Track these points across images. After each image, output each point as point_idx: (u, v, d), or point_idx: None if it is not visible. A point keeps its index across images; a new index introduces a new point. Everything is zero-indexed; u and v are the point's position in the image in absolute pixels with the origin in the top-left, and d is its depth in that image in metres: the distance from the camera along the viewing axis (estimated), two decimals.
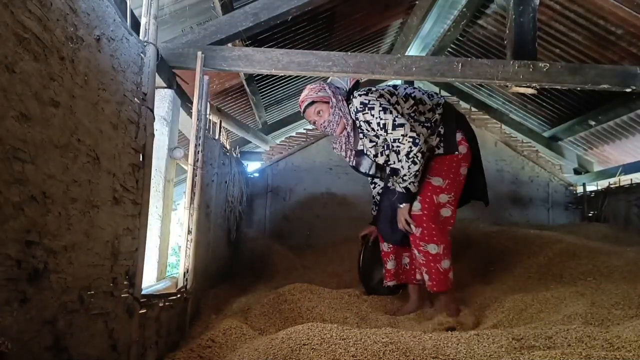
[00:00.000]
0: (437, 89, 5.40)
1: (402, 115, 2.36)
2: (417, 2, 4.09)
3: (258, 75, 4.27)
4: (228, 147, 3.25)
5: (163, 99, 2.33)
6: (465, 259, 3.41)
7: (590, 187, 4.70)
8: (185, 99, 2.60)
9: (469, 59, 2.56)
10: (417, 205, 2.35)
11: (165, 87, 2.34)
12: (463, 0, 4.20)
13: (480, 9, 4.15)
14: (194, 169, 1.99)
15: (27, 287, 0.81)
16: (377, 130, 2.33)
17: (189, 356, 1.57)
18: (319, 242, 4.40)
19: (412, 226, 2.34)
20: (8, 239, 0.76)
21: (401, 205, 2.38)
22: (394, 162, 2.40)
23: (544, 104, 4.87)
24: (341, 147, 2.51)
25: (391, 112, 2.29)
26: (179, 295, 1.79)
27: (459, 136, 2.43)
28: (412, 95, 2.47)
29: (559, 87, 2.73)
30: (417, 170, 2.28)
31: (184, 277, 1.93)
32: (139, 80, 1.37)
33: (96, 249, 1.07)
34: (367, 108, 2.32)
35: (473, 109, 5.05)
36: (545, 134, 5.41)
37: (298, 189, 4.74)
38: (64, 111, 0.93)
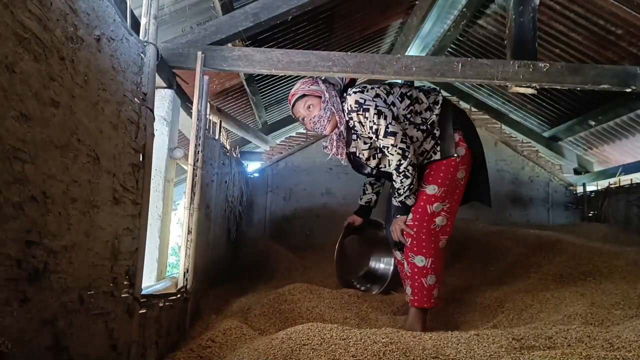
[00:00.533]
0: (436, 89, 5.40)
1: (398, 117, 2.27)
2: (417, 2, 4.09)
3: (258, 75, 4.27)
4: (228, 147, 3.25)
5: (163, 99, 2.33)
6: (465, 259, 3.41)
7: (590, 187, 4.70)
8: (185, 99, 2.60)
9: (469, 59, 2.56)
10: (409, 215, 2.27)
11: (165, 87, 2.34)
12: (463, 0, 4.20)
13: (480, 9, 4.15)
14: (194, 169, 1.99)
15: (27, 287, 0.81)
16: (370, 133, 2.25)
17: (189, 356, 1.57)
18: (319, 242, 4.39)
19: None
20: (8, 239, 0.76)
21: (397, 216, 2.30)
22: (385, 167, 2.32)
23: (544, 104, 4.87)
24: (332, 146, 2.36)
25: (385, 118, 2.18)
26: (179, 295, 1.79)
27: (456, 137, 2.31)
28: (409, 94, 2.34)
29: (559, 87, 2.72)
30: (410, 184, 2.21)
31: (184, 277, 1.93)
32: (139, 80, 1.37)
33: (96, 249, 1.07)
34: (362, 109, 2.22)
35: (473, 109, 5.05)
36: (545, 134, 5.41)
37: (298, 189, 4.74)
38: (64, 111, 0.93)
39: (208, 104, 2.32)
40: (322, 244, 4.29)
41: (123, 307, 1.22)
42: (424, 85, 2.56)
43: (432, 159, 2.30)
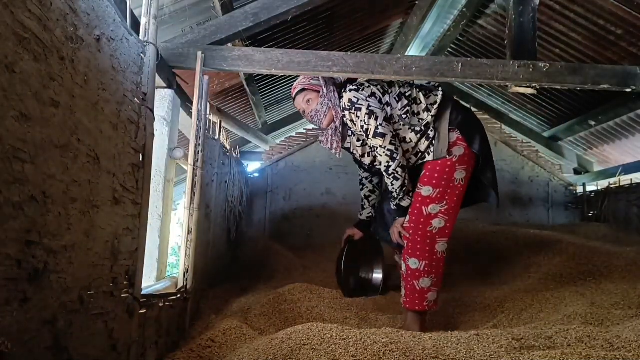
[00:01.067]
0: None
1: (392, 116, 2.26)
2: (417, 2, 4.09)
3: (258, 75, 4.27)
4: (228, 147, 3.25)
5: (163, 99, 2.33)
6: (465, 259, 3.41)
7: (590, 187, 4.70)
8: (185, 99, 2.60)
9: (469, 59, 2.56)
10: (405, 217, 2.26)
11: (165, 87, 2.34)
12: (463, 0, 4.20)
13: (480, 9, 4.15)
14: (194, 169, 1.99)
15: (27, 287, 0.81)
16: (361, 131, 2.27)
17: (189, 356, 1.57)
18: (319, 242, 4.39)
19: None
20: (8, 239, 0.76)
21: (396, 219, 2.31)
22: (379, 165, 2.32)
23: (544, 104, 4.87)
24: (327, 141, 2.40)
25: (376, 119, 2.19)
26: (179, 295, 1.79)
27: (453, 136, 2.24)
28: (407, 94, 2.31)
29: (559, 87, 2.72)
30: (401, 185, 2.21)
31: (184, 277, 1.93)
32: (139, 80, 1.37)
33: (96, 249, 1.07)
34: (354, 108, 2.24)
35: (473, 109, 5.04)
36: (545, 134, 5.41)
37: (298, 189, 4.74)
38: (64, 111, 0.93)
39: (208, 104, 2.32)
40: (322, 244, 4.30)
41: (123, 307, 1.22)
42: (429, 83, 2.45)
43: (426, 159, 2.27)
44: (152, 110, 1.43)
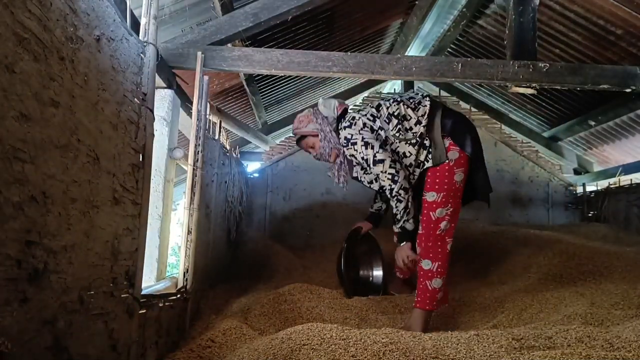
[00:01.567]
0: (436, 89, 5.41)
1: (387, 138, 2.37)
2: (417, 2, 4.09)
3: (258, 75, 4.27)
4: (228, 147, 3.25)
5: (163, 99, 2.33)
6: (464, 259, 3.41)
7: (590, 187, 4.70)
8: (185, 99, 2.60)
9: (469, 59, 2.56)
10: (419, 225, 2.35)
11: (165, 88, 2.34)
12: (463, 1, 4.20)
13: (480, 9, 4.15)
14: (193, 169, 1.99)
15: (27, 287, 0.81)
16: (362, 162, 2.40)
17: (189, 356, 1.57)
18: (318, 242, 4.40)
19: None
20: (8, 239, 0.76)
21: (402, 244, 2.40)
22: (384, 189, 2.43)
23: (544, 104, 4.87)
24: (334, 175, 2.61)
25: (372, 147, 2.33)
26: (178, 295, 1.79)
27: (446, 143, 2.32)
28: (396, 113, 2.38)
29: (558, 87, 2.73)
30: (404, 207, 2.32)
31: (184, 277, 1.93)
32: (139, 81, 1.37)
33: (96, 249, 1.07)
34: (350, 143, 2.40)
35: (473, 109, 5.05)
36: (545, 134, 5.41)
37: (298, 189, 4.74)
38: (64, 111, 0.93)
39: (208, 104, 2.32)
40: (321, 243, 4.30)
41: (123, 307, 1.22)
42: (416, 93, 2.51)
43: (426, 166, 2.35)
44: (152, 111, 1.43)
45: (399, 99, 2.45)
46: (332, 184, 4.70)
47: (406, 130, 2.36)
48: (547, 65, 2.52)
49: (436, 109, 2.39)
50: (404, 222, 2.34)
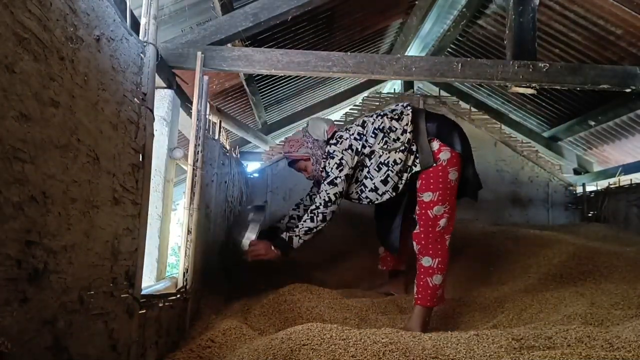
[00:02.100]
0: (436, 89, 5.41)
1: (373, 152, 2.46)
2: (417, 2, 4.10)
3: (258, 75, 4.27)
4: (228, 147, 3.25)
5: (163, 99, 2.33)
6: (465, 259, 3.41)
7: (590, 187, 4.70)
8: (185, 99, 2.60)
9: (469, 59, 2.57)
10: (416, 224, 2.39)
11: (165, 87, 2.34)
12: (463, 1, 4.20)
13: (480, 9, 4.16)
14: (193, 169, 1.99)
15: (27, 287, 0.81)
16: (323, 173, 2.53)
17: (189, 356, 1.57)
18: (318, 242, 4.39)
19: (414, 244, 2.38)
20: (8, 239, 0.76)
21: (274, 248, 2.46)
22: (364, 194, 2.56)
23: (544, 104, 4.87)
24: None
25: (340, 171, 2.45)
26: (178, 295, 1.79)
27: (435, 145, 2.37)
28: (381, 127, 2.45)
29: (558, 87, 2.73)
30: (308, 229, 2.44)
31: (184, 277, 1.93)
32: (139, 81, 1.37)
33: (96, 249, 1.07)
34: (329, 157, 2.51)
35: (473, 109, 5.06)
36: (545, 134, 5.41)
37: (298, 189, 4.74)
38: (64, 111, 0.93)
39: (208, 104, 2.32)
40: (321, 243, 4.29)
41: (123, 307, 1.22)
42: (396, 104, 2.55)
43: (414, 170, 2.41)
44: (152, 111, 1.43)
45: (382, 114, 2.54)
46: None
47: (394, 140, 2.43)
48: (547, 65, 2.52)
49: (419, 116, 2.47)
50: (295, 236, 2.45)
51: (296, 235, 2.45)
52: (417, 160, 2.39)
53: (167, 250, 2.38)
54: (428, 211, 2.31)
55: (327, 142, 2.60)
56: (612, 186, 4.33)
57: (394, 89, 6.57)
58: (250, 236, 2.61)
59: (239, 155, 3.78)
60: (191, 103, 2.13)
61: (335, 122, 4.89)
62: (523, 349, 1.44)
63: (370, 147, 2.47)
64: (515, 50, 2.67)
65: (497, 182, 4.77)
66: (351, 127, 2.61)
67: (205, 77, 2.23)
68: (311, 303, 2.41)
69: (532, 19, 2.71)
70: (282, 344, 1.46)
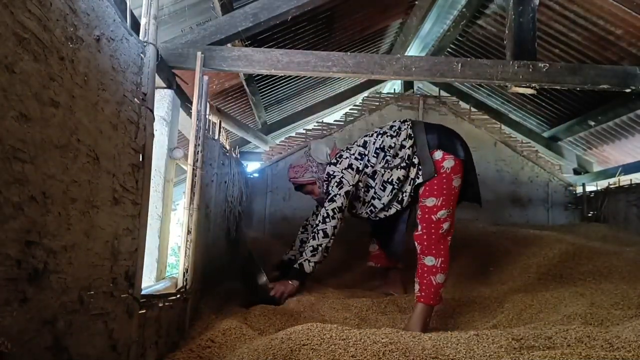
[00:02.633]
0: (436, 89, 5.41)
1: (375, 173, 2.54)
2: (416, 2, 4.10)
3: (258, 75, 4.27)
4: (228, 147, 3.25)
5: (163, 99, 2.33)
6: (464, 259, 3.41)
7: (590, 187, 4.70)
8: (184, 99, 2.60)
9: (469, 59, 2.56)
10: (417, 226, 2.43)
11: (165, 88, 2.34)
12: (462, 1, 4.20)
13: (479, 9, 4.15)
14: (193, 169, 1.99)
15: (27, 287, 0.81)
16: (325, 192, 2.62)
17: (189, 356, 1.57)
18: None
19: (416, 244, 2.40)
20: (8, 239, 0.76)
21: (290, 282, 2.46)
22: (366, 209, 2.65)
23: (544, 104, 4.87)
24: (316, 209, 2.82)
25: (340, 188, 2.53)
26: (178, 295, 1.79)
27: (438, 155, 2.41)
28: (382, 146, 2.53)
29: (558, 87, 2.73)
30: (313, 247, 2.48)
31: (184, 277, 1.93)
32: (139, 81, 1.37)
33: (96, 249, 1.07)
34: (329, 177, 2.62)
35: (472, 109, 5.06)
36: (545, 134, 5.41)
37: None
38: (64, 111, 0.93)
39: (208, 104, 2.32)
40: None
41: (123, 307, 1.22)
42: (394, 121, 2.62)
43: (417, 182, 2.45)
44: (152, 111, 1.43)
45: (381, 131, 2.60)
46: None
47: (394, 156, 2.50)
48: (547, 65, 2.52)
49: (418, 129, 2.52)
50: (305, 260, 2.48)
51: (305, 260, 2.48)
52: (420, 173, 2.43)
53: (167, 250, 2.38)
54: (432, 215, 2.35)
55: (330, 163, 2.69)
56: (612, 186, 4.33)
57: (394, 89, 6.57)
58: (264, 281, 2.50)
59: (238, 155, 3.78)
60: (191, 103, 2.12)
61: (335, 122, 4.93)
62: (523, 349, 1.44)
63: (372, 166, 2.55)
64: (515, 50, 2.67)
65: (497, 182, 4.77)
66: (352, 147, 2.68)
67: (205, 77, 2.23)
68: (312, 303, 2.41)
69: (532, 19, 2.71)
70: (282, 344, 1.46)
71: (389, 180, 2.51)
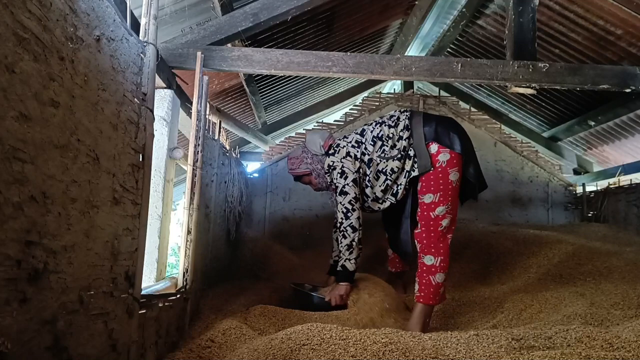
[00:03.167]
0: (436, 90, 5.41)
1: (371, 160, 2.50)
2: (416, 2, 4.10)
3: (258, 75, 4.27)
4: (227, 147, 3.25)
5: (163, 99, 2.33)
6: (464, 259, 3.41)
7: (590, 188, 4.70)
8: (184, 99, 2.60)
9: (469, 59, 2.56)
10: (418, 224, 2.41)
11: (165, 88, 2.34)
12: (462, 1, 4.20)
13: (479, 9, 4.15)
14: (193, 169, 1.99)
15: (27, 287, 0.81)
16: (333, 187, 2.58)
17: (189, 356, 1.57)
18: (318, 242, 4.39)
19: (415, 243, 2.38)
20: (8, 239, 0.76)
21: (342, 283, 2.46)
22: (368, 203, 2.61)
23: (544, 104, 4.87)
24: (333, 202, 2.75)
25: (345, 178, 2.49)
26: (178, 296, 1.79)
27: (434, 148, 2.37)
28: (379, 135, 2.50)
29: (558, 88, 2.73)
30: (347, 245, 2.44)
31: (184, 277, 1.93)
32: (139, 81, 1.37)
33: (96, 249, 1.07)
34: (330, 169, 2.59)
35: (472, 109, 5.06)
36: (545, 134, 5.41)
37: (297, 189, 4.74)
38: (64, 111, 0.93)
39: (207, 104, 2.32)
40: (321, 244, 4.30)
41: (123, 308, 1.22)
42: (395, 111, 2.58)
43: (412, 175, 2.42)
44: (151, 111, 1.43)
45: (380, 121, 2.57)
46: None
47: (391, 148, 2.47)
48: (547, 65, 2.52)
49: (416, 120, 2.48)
50: (345, 260, 2.45)
51: (345, 260, 2.45)
52: (416, 165, 2.40)
53: (167, 250, 2.37)
54: (430, 213, 2.31)
55: (327, 154, 2.65)
56: (611, 186, 4.33)
57: (394, 89, 6.57)
58: (317, 300, 2.59)
59: (238, 155, 3.78)
60: (191, 103, 2.13)
61: (335, 122, 4.93)
62: (523, 349, 1.44)
63: (369, 154, 2.51)
64: (515, 50, 2.67)
65: (497, 182, 4.77)
66: (349, 135, 2.66)
67: (205, 77, 2.23)
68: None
69: (532, 19, 2.71)
70: (282, 344, 1.46)
71: (383, 170, 2.47)
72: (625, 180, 4.21)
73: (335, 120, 5.01)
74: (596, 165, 5.20)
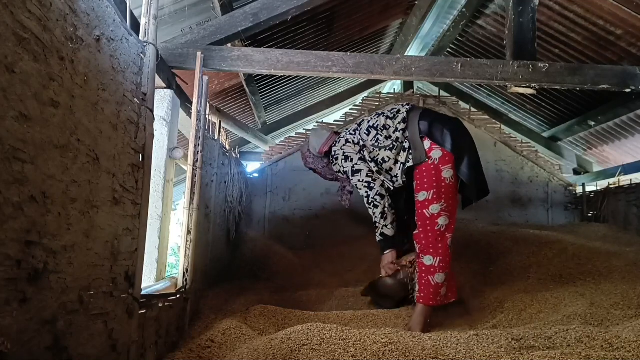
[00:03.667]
0: (436, 90, 5.41)
1: (365, 146, 2.53)
2: (416, 2, 4.10)
3: (258, 75, 4.27)
4: (227, 147, 3.25)
5: (163, 99, 2.33)
6: (465, 259, 3.41)
7: (590, 188, 4.70)
8: (184, 99, 2.60)
9: (469, 59, 2.57)
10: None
11: (165, 88, 2.34)
12: (462, 1, 4.20)
13: (479, 9, 4.15)
14: (193, 169, 1.99)
15: (27, 287, 0.81)
16: (344, 176, 2.61)
17: (189, 356, 1.57)
18: (318, 243, 4.40)
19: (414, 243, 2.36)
20: (8, 239, 0.76)
21: (386, 252, 2.48)
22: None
23: (544, 104, 4.87)
24: (339, 195, 2.89)
25: (351, 160, 2.53)
26: (178, 296, 1.79)
27: (427, 144, 2.36)
28: (375, 125, 2.52)
29: (558, 88, 2.73)
30: (381, 212, 2.44)
31: (184, 277, 1.93)
32: (139, 81, 1.37)
33: (96, 249, 1.07)
34: (334, 159, 2.63)
35: (472, 109, 5.06)
36: (545, 134, 5.41)
37: (297, 189, 4.74)
38: (64, 111, 0.93)
39: (207, 104, 2.32)
40: (321, 244, 4.30)
41: (123, 308, 1.22)
42: (396, 104, 2.61)
43: (407, 166, 2.41)
44: (151, 111, 1.43)
45: (380, 112, 2.60)
46: (331, 184, 4.74)
47: (386, 138, 2.48)
48: (547, 65, 2.52)
49: (414, 113, 2.48)
50: (382, 227, 2.45)
51: (382, 227, 2.45)
52: (411, 157, 2.39)
53: (167, 250, 2.38)
54: (424, 211, 2.30)
55: (326, 155, 2.75)
56: (611, 186, 4.33)
57: (394, 89, 6.57)
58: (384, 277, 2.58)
59: (238, 155, 3.78)
60: (191, 103, 2.13)
61: (335, 122, 4.93)
62: (523, 349, 1.44)
63: (363, 142, 2.55)
64: (515, 50, 2.67)
65: (497, 182, 4.77)
66: (351, 126, 2.72)
67: (205, 77, 2.23)
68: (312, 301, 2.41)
69: (532, 19, 2.71)
70: (282, 344, 1.46)
71: (374, 158, 2.50)
72: (625, 180, 4.21)
73: (335, 120, 5.01)
74: (596, 165, 5.20)
